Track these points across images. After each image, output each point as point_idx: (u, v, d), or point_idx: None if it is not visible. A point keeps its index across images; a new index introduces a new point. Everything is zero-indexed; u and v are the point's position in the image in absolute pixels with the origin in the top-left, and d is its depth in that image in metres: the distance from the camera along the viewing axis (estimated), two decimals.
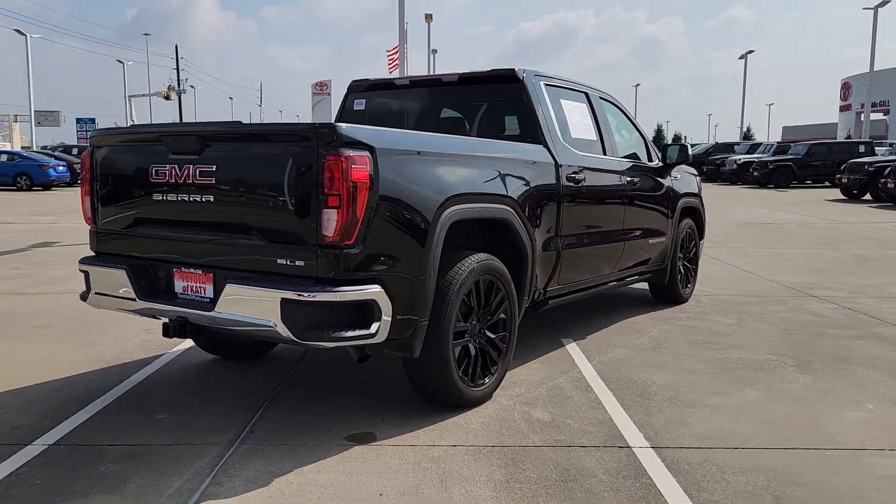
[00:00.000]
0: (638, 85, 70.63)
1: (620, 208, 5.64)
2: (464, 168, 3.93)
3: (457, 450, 3.51)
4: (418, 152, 3.64)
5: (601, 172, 5.37)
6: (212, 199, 3.57)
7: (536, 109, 4.79)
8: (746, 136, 60.30)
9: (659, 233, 6.34)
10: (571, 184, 4.88)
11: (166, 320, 3.76)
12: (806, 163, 28.95)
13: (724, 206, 19.98)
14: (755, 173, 29.23)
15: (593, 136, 5.49)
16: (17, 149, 35.80)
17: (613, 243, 5.57)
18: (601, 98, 5.91)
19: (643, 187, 6.02)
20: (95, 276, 4.03)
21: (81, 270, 4.10)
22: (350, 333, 3.32)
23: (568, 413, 4.01)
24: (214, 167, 3.53)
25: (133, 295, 3.83)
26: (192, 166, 3.58)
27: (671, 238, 6.60)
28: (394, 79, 5.40)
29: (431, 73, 45.67)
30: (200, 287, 3.68)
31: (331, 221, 3.23)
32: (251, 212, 3.49)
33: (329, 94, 60.95)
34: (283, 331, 3.28)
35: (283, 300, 3.26)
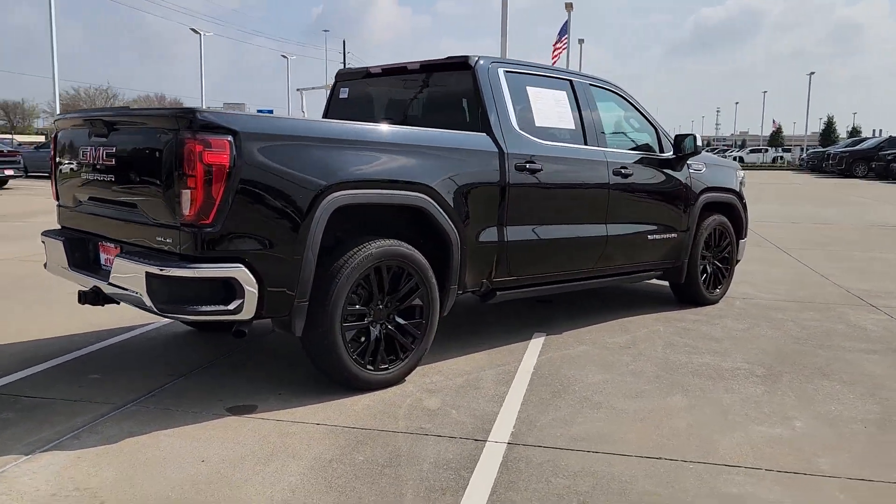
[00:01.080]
0: (812, 73, 65.05)
1: (602, 200, 5.40)
2: (359, 154, 3.97)
3: (315, 427, 3.60)
4: (296, 138, 3.74)
5: (572, 162, 5.18)
6: (113, 179, 3.90)
7: (485, 97, 4.72)
8: None
9: (666, 228, 6.00)
10: (523, 173, 4.76)
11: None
12: None
13: (871, 205, 18.24)
14: None
15: (571, 124, 5.31)
16: None
17: (590, 237, 5.36)
18: (594, 86, 5.68)
19: (641, 179, 5.72)
20: (48, 247, 4.50)
21: (42, 241, 4.58)
22: (207, 308, 3.51)
23: (461, 404, 3.96)
24: (114, 149, 3.84)
25: (66, 264, 4.25)
26: (102, 148, 3.92)
27: (687, 235, 6.22)
28: (369, 67, 5.50)
29: (579, 64, 45.03)
30: (112, 259, 4.01)
31: (188, 201, 3.42)
32: (139, 191, 3.77)
33: None
34: (148, 302, 3.53)
35: (147, 274, 3.50)
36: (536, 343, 5.20)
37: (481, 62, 4.81)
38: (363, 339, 4.08)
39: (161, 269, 3.46)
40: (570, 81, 5.44)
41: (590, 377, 4.46)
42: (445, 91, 5.16)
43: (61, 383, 4.21)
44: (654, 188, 5.89)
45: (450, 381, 4.35)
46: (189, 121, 3.41)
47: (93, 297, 4.05)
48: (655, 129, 6.11)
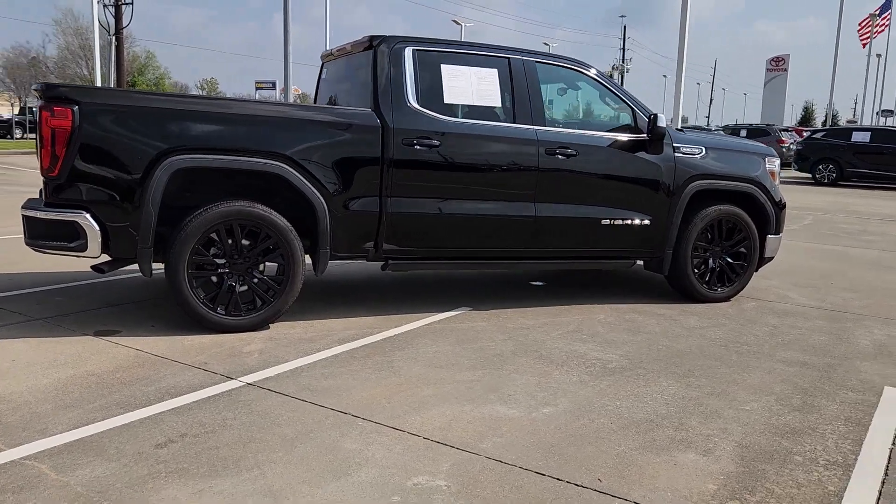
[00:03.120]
0: None
1: (528, 179, 5.31)
2: (203, 124, 4.50)
3: (127, 351, 4.28)
4: (138, 108, 4.42)
5: (484, 140, 5.21)
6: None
7: (378, 75, 4.99)
8: None
9: (631, 214, 5.68)
10: (413, 148, 4.96)
11: None
12: None
13: None
14: None
15: (496, 102, 5.32)
16: None
17: (511, 216, 5.32)
18: (546, 65, 5.58)
19: (591, 160, 5.51)
20: None
21: None
22: (55, 244, 4.39)
23: (271, 352, 4.36)
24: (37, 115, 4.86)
25: None
26: (35, 113, 4.97)
27: (669, 223, 5.81)
28: (334, 48, 5.97)
29: (886, 44, 39.65)
30: None
31: (41, 157, 4.30)
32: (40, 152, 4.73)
33: (786, 70, 57.20)
34: (25, 237, 4.49)
35: (22, 215, 4.46)
36: (445, 315, 5.36)
37: (384, 44, 5.08)
38: (220, 286, 4.67)
39: (26, 211, 4.40)
40: (508, 59, 5.42)
41: (431, 348, 4.59)
42: (364, 70, 5.49)
43: (33, 301, 5.37)
44: (610, 170, 5.61)
45: (301, 335, 4.76)
46: (43, 92, 4.28)
47: None
48: (632, 110, 5.78)
